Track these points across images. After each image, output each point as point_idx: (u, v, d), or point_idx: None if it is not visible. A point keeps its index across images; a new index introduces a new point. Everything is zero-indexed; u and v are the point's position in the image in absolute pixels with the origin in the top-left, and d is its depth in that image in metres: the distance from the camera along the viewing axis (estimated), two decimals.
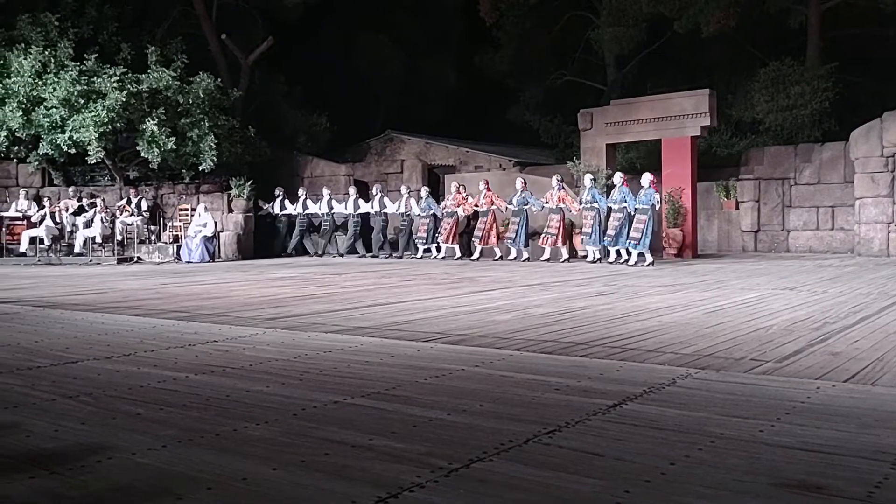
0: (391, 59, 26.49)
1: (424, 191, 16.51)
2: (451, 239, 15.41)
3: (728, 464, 2.36)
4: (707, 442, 2.59)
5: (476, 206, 15.12)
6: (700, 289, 8.34)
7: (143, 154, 16.43)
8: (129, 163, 17.79)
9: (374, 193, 16.86)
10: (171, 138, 16.20)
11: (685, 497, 2.09)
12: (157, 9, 20.37)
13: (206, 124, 16.87)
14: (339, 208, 17.18)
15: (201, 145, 16.74)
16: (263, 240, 17.85)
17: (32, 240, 16.26)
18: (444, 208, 15.65)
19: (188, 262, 15.86)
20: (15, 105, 15.84)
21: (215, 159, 16.85)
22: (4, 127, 15.96)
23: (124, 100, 15.78)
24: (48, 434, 2.78)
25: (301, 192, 17.93)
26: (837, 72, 18.13)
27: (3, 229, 16.76)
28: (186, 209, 17.69)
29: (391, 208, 16.57)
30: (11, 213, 16.88)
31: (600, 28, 23.00)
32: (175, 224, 17.54)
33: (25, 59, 16.07)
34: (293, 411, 3.08)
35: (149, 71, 16.88)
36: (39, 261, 15.85)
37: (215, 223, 16.74)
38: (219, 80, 18.08)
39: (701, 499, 2.08)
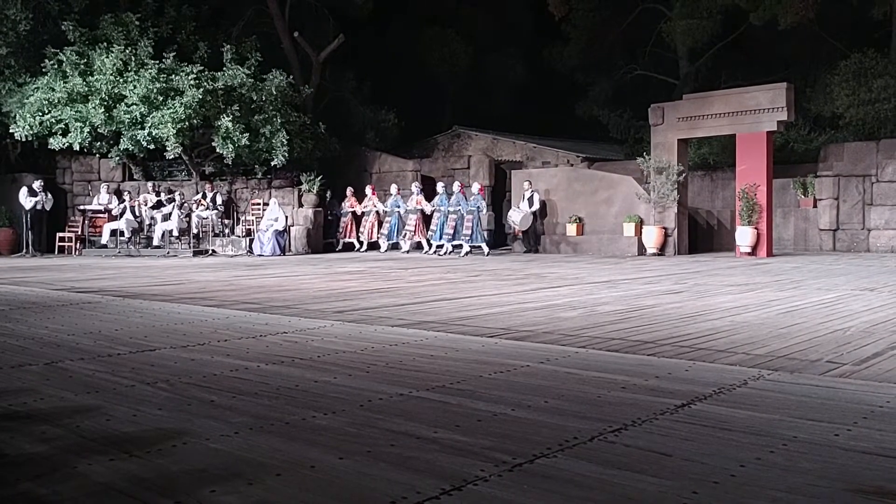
0: (459, 54, 26.50)
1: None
2: (348, 234, 18.27)
3: (801, 467, 2.30)
4: (779, 445, 2.52)
5: (364, 207, 18.11)
6: (775, 288, 8.10)
7: (218, 150, 16.90)
8: (204, 158, 18.31)
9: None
10: (244, 134, 16.62)
11: (755, 500, 2.04)
12: (233, 8, 20.90)
13: (279, 121, 17.24)
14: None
15: (273, 141, 17.12)
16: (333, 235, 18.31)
17: (113, 232, 16.96)
18: (341, 210, 18.37)
19: (260, 256, 16.25)
20: (97, 102, 16.49)
21: (287, 155, 17.21)
22: (88, 123, 16.62)
23: (201, 97, 16.25)
24: (127, 418, 2.90)
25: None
26: None
27: (86, 222, 17.53)
28: (259, 203, 18.14)
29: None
30: (94, 206, 17.62)
31: (673, 20, 22.54)
32: (248, 218, 18.00)
33: (108, 57, 16.69)
34: (360, 402, 3.13)
35: (224, 69, 17.33)
36: (119, 252, 16.52)
37: (286, 217, 17.10)
38: (291, 77, 18.44)
39: (772, 502, 2.03)
